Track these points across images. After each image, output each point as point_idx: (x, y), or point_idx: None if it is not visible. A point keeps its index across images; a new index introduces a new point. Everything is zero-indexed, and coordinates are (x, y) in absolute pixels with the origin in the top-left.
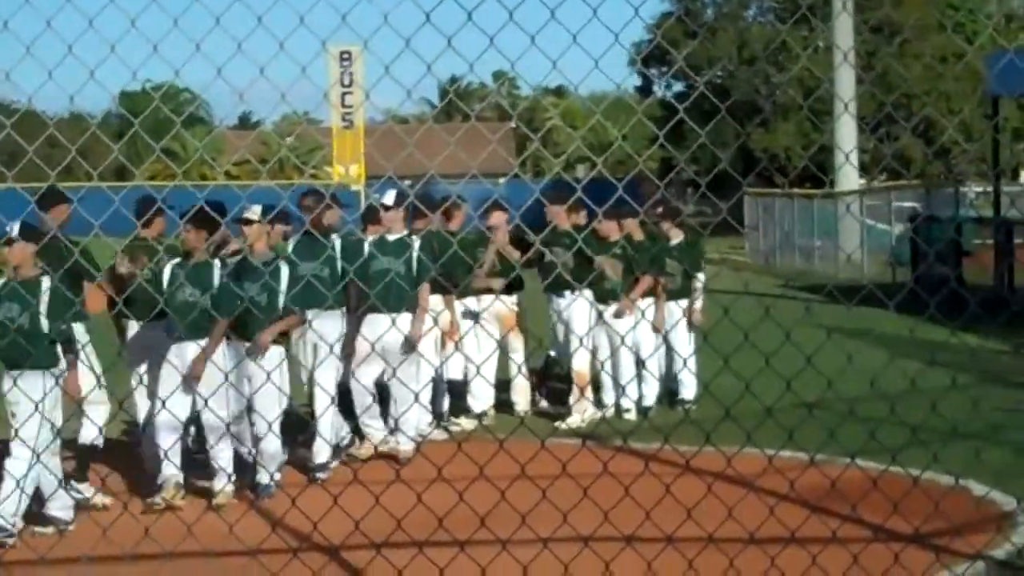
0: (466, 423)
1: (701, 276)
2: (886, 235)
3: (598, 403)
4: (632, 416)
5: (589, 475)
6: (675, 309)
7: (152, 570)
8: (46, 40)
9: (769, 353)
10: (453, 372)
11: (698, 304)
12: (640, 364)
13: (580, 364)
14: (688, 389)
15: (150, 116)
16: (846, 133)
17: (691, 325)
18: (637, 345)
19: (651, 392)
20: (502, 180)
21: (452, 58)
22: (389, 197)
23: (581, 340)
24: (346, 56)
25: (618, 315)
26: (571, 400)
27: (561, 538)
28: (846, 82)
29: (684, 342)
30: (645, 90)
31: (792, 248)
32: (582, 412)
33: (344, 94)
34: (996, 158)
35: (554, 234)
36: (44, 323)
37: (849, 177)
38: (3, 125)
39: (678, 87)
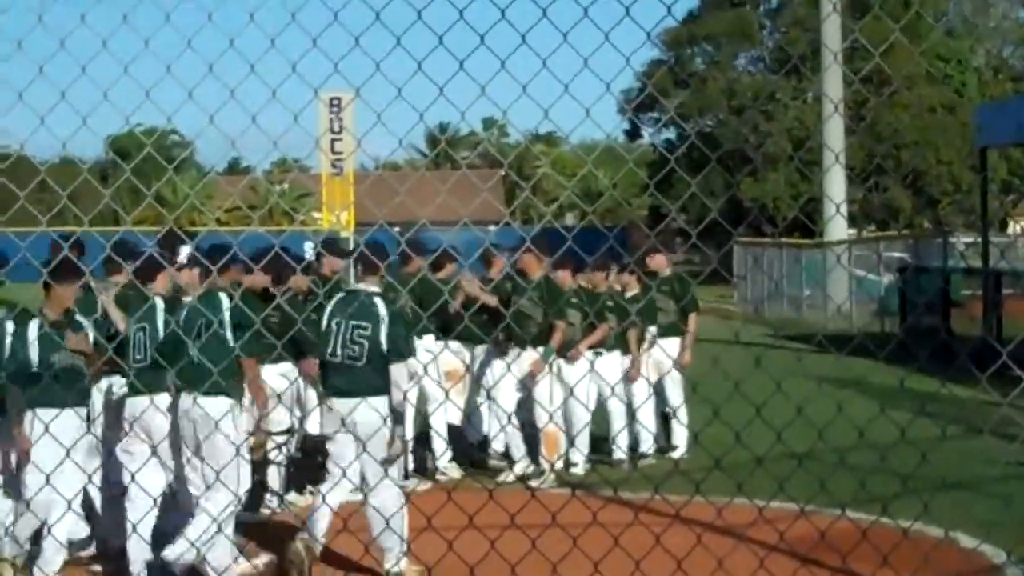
0: (454, 471)
1: (691, 319)
2: (875, 285)
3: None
4: (625, 466)
5: (579, 525)
6: (620, 360)
7: None
8: (38, 85)
9: (759, 403)
10: (451, 417)
11: (656, 353)
12: (563, 419)
13: (546, 424)
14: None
15: (139, 161)
16: (835, 183)
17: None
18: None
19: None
20: (492, 227)
21: (442, 104)
22: (183, 254)
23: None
24: (336, 102)
25: (569, 362)
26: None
27: None
28: (835, 132)
29: (642, 392)
30: (634, 137)
31: (781, 297)
32: (539, 475)
33: (334, 140)
34: (984, 209)
35: (520, 284)
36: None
37: (838, 227)
38: None
39: (668, 135)
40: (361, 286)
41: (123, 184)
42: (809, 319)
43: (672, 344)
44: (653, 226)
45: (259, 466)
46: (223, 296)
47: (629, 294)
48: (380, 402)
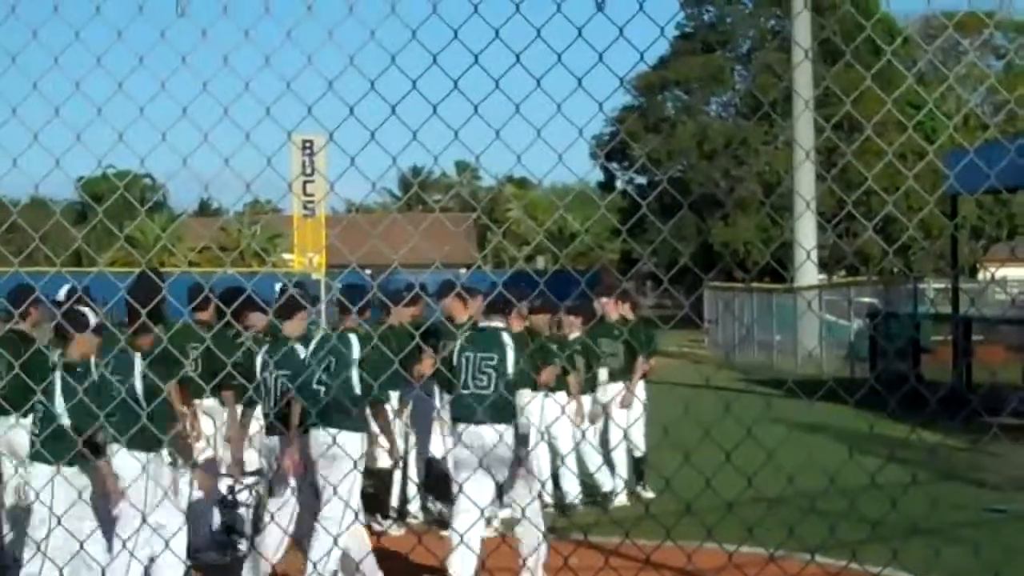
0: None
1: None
2: (845, 330)
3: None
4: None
5: (549, 569)
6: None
7: None
8: (10, 127)
9: (730, 448)
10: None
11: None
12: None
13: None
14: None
15: (109, 203)
16: (806, 229)
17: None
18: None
19: (572, 488)
20: (463, 271)
21: (415, 147)
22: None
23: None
24: (308, 145)
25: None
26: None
27: None
28: (807, 179)
29: (570, 437)
30: (607, 186)
31: (752, 342)
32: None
33: (306, 183)
34: (955, 255)
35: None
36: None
37: (808, 272)
38: None
39: (640, 180)
40: (491, 323)
41: (93, 226)
42: (780, 364)
43: (617, 388)
44: (625, 271)
45: (228, 509)
46: (353, 337)
47: (572, 336)
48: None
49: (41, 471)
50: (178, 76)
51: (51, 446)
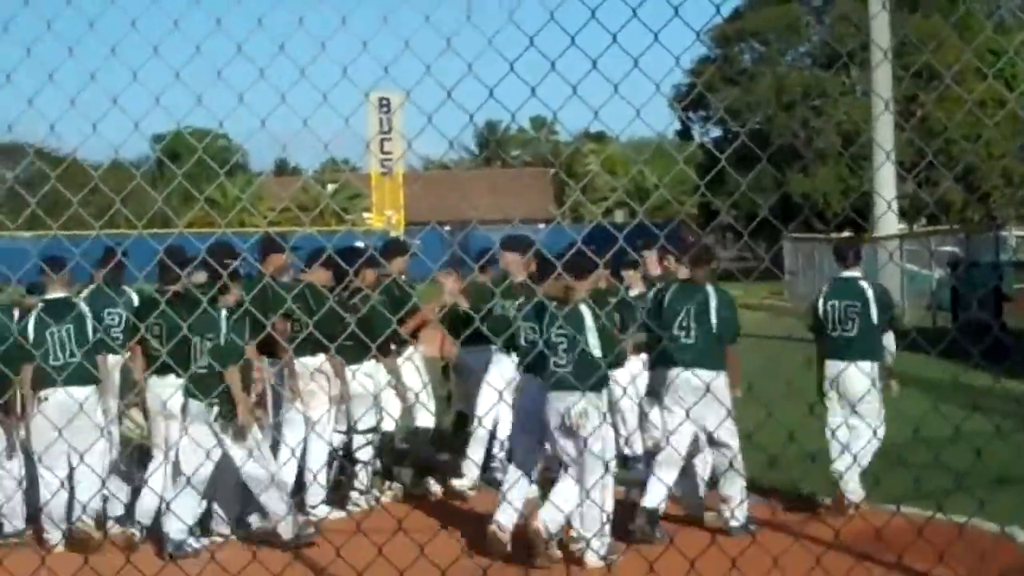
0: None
1: None
2: (927, 280)
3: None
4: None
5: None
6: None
7: None
8: (89, 90)
9: (812, 402)
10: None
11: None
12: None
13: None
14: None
15: (187, 162)
16: (886, 179)
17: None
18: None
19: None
20: (542, 226)
21: (491, 104)
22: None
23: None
24: (385, 103)
25: None
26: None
27: None
28: (886, 129)
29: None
30: (685, 136)
31: None
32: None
33: (383, 141)
34: None
35: (510, 285)
36: None
37: (889, 222)
38: (48, 176)
39: (717, 133)
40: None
41: (173, 188)
42: None
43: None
44: (704, 224)
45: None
46: None
47: (633, 292)
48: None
49: (194, 406)
50: (255, 38)
51: (205, 386)
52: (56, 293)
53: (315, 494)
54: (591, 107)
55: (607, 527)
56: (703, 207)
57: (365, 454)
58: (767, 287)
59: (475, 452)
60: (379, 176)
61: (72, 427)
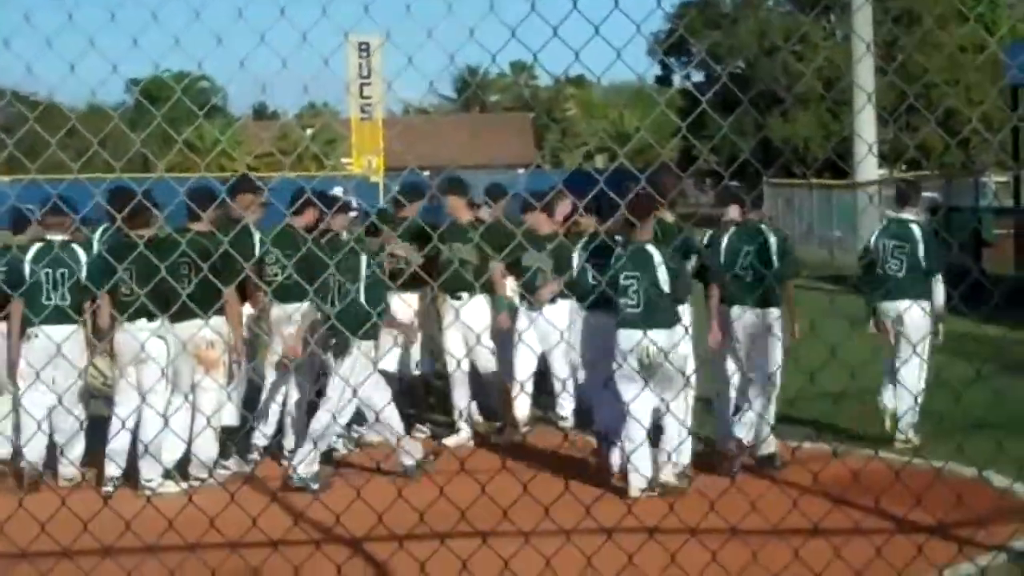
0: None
1: None
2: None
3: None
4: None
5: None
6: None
7: (176, 562)
8: (66, 32)
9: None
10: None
11: None
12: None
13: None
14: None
15: (168, 107)
16: (867, 124)
17: None
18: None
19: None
20: (522, 170)
21: (471, 48)
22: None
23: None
24: (364, 47)
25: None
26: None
27: (584, 530)
28: (866, 73)
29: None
30: (665, 82)
31: (812, 238)
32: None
33: (363, 85)
34: (1017, 148)
35: (453, 229)
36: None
37: (869, 167)
38: (26, 118)
39: (698, 78)
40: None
41: (151, 131)
42: (841, 260)
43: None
44: (685, 168)
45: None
46: None
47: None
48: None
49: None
50: None
51: (357, 323)
52: (55, 235)
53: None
54: (571, 48)
55: (687, 444)
56: (684, 152)
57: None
58: None
59: (461, 399)
60: (359, 120)
61: (53, 366)
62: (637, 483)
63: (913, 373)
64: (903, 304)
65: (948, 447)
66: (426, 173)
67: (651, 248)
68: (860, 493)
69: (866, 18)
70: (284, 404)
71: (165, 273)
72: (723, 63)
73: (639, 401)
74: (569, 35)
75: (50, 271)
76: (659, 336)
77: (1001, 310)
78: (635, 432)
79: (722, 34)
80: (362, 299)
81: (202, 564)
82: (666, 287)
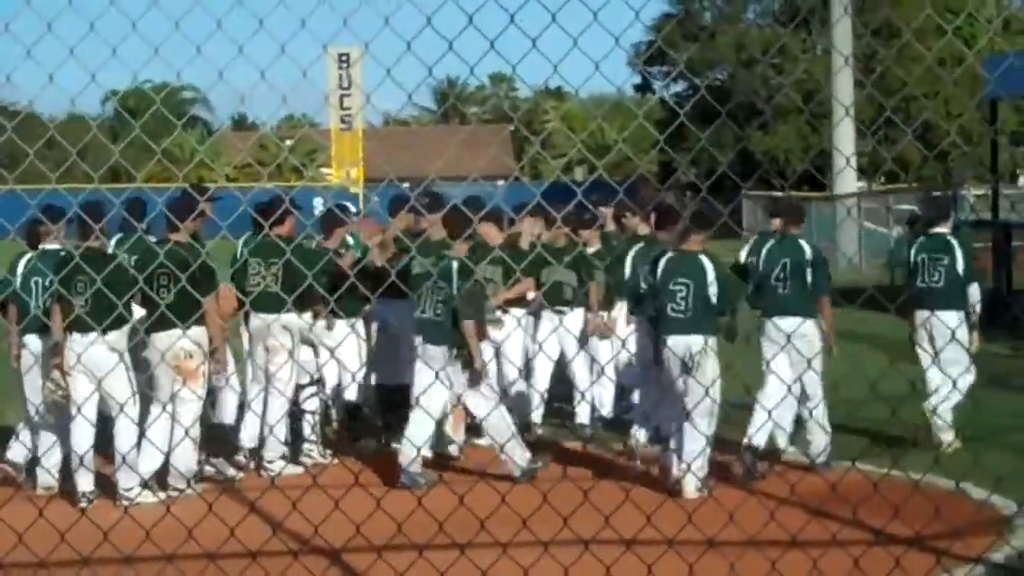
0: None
1: None
2: (884, 238)
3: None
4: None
5: (590, 479)
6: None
7: (153, 572)
8: (46, 42)
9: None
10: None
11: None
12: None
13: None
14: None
15: (147, 117)
16: (845, 136)
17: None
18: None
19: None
20: (501, 182)
21: (451, 59)
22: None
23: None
24: (344, 58)
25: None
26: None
27: (562, 541)
28: (845, 85)
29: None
30: (644, 91)
31: None
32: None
33: (342, 96)
34: (995, 161)
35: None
36: None
37: (848, 180)
38: (4, 128)
39: (677, 89)
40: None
41: (130, 141)
42: None
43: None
44: (664, 180)
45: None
46: None
47: (591, 249)
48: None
49: (436, 352)
50: None
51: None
52: (49, 245)
53: (273, 449)
54: (550, 60)
55: (706, 455)
56: (663, 165)
57: (311, 405)
58: (726, 244)
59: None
60: (339, 131)
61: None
62: (692, 484)
63: (956, 379)
64: (943, 315)
65: (926, 459)
66: (405, 185)
67: (703, 259)
68: (838, 505)
69: (845, 31)
70: (263, 415)
71: (146, 285)
72: (702, 76)
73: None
74: (548, 47)
75: (39, 280)
76: (700, 343)
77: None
78: (679, 432)
79: (700, 47)
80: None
81: (180, 574)
82: (714, 298)
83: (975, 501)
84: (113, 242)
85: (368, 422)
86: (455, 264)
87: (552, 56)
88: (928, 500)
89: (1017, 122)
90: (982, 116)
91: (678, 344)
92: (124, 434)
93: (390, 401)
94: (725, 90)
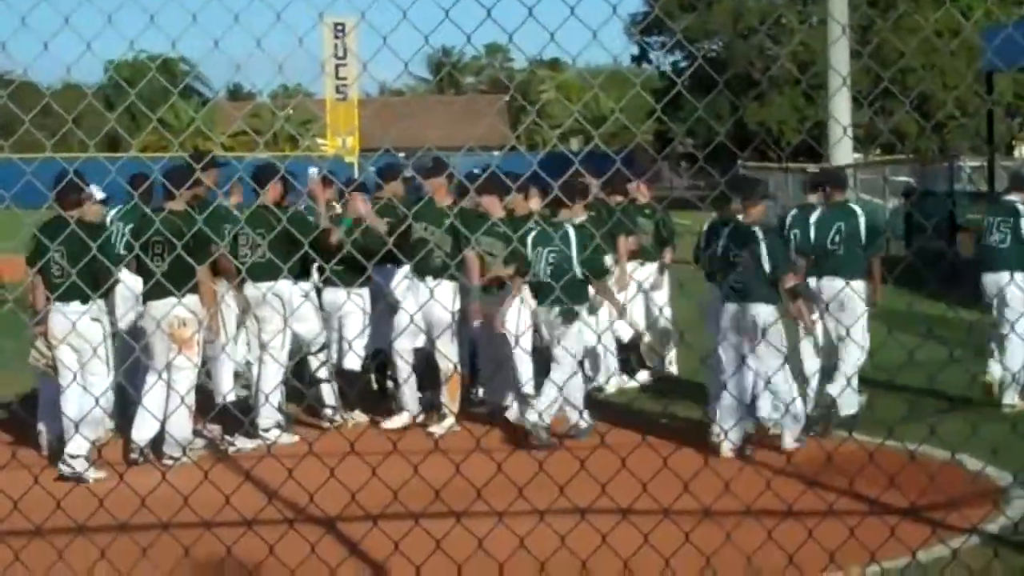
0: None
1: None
2: (881, 209)
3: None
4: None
5: (586, 447)
6: None
7: (148, 541)
8: (41, 10)
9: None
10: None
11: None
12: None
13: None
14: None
15: (143, 86)
16: (842, 107)
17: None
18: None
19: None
20: (497, 152)
21: (446, 29)
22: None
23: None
24: (340, 28)
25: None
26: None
27: (558, 510)
28: (841, 56)
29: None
30: (641, 61)
31: None
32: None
33: (338, 65)
34: (991, 133)
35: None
36: None
37: (844, 151)
38: None
39: (674, 59)
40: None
41: (126, 109)
42: None
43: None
44: (660, 150)
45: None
46: None
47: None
48: None
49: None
50: None
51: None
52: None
53: (267, 416)
54: (547, 29)
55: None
56: (659, 135)
57: (324, 373)
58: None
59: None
60: (334, 101)
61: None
62: (729, 446)
63: (1017, 341)
64: (1004, 277)
65: (922, 429)
66: (401, 154)
67: (756, 229)
68: (834, 475)
69: (842, 2)
70: (257, 382)
71: (139, 255)
72: (699, 46)
73: (741, 372)
74: (545, 16)
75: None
76: (761, 310)
77: (974, 293)
78: (726, 398)
79: (697, 16)
80: (578, 270)
81: (175, 542)
82: (767, 265)
83: (970, 472)
84: (113, 212)
85: (365, 388)
86: (571, 229)
87: (549, 25)
88: (924, 470)
89: (1013, 93)
90: (979, 87)
91: (735, 312)
92: (72, 401)
93: (394, 366)
94: (721, 61)
